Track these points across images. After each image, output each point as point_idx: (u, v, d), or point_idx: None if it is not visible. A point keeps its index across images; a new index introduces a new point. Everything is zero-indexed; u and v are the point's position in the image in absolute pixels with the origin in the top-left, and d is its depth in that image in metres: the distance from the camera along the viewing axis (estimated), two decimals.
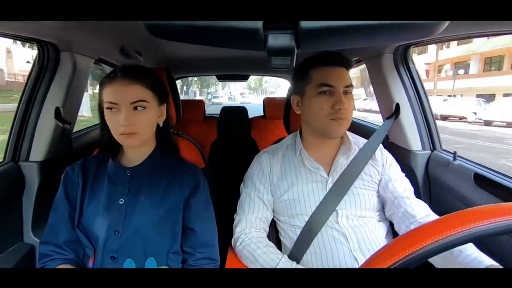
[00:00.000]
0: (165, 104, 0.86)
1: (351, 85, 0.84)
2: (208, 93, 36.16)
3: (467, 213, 0.33)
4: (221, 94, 39.74)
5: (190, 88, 26.49)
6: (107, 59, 1.34)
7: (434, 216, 0.82)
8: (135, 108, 0.75)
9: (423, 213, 0.82)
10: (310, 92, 0.85)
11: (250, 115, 2.28)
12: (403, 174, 0.93)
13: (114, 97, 0.74)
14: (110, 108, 0.75)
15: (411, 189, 0.90)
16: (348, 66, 0.86)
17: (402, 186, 0.88)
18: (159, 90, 0.82)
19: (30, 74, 1.06)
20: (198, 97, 29.09)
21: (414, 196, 0.88)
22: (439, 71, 21.62)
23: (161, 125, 0.86)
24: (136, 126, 0.75)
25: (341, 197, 0.83)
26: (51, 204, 0.83)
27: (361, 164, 0.87)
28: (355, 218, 0.85)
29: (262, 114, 2.22)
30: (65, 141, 1.09)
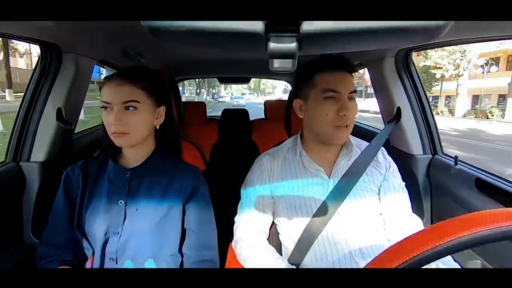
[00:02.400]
0: (163, 106, 0.85)
1: (355, 91, 0.84)
2: (213, 94, 41.62)
3: (475, 216, 0.33)
4: (224, 94, 44.34)
5: (202, 89, 33.51)
6: (109, 61, 1.35)
7: None
8: (127, 108, 0.76)
9: (414, 228, 0.83)
10: (314, 96, 0.84)
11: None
12: (403, 184, 0.93)
13: (107, 97, 0.76)
14: (105, 108, 0.77)
15: (408, 203, 0.90)
16: (353, 71, 0.86)
17: (401, 197, 0.89)
18: (156, 92, 0.82)
19: (32, 75, 1.06)
20: (205, 97, 35.87)
21: (410, 210, 0.89)
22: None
23: (157, 127, 0.85)
24: (127, 126, 0.76)
25: (342, 199, 0.83)
26: (52, 204, 0.83)
27: (363, 166, 0.87)
28: (357, 220, 0.85)
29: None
30: (67, 142, 1.09)
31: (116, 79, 0.77)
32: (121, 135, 0.76)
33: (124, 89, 0.76)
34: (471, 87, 20.22)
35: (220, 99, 33.65)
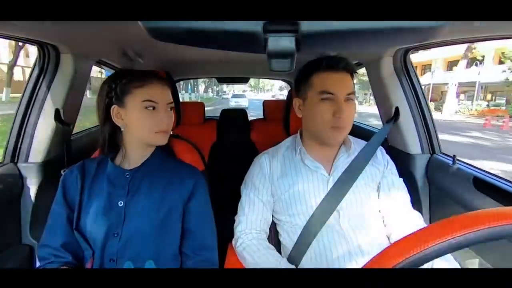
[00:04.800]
0: None
1: (353, 92, 0.84)
2: (217, 91, 46.64)
3: (475, 215, 0.33)
4: (226, 91, 47.33)
5: (209, 88, 41.35)
6: (107, 61, 1.34)
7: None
8: (169, 108, 0.82)
9: (415, 222, 0.84)
10: (311, 97, 0.84)
11: None
12: (402, 180, 0.93)
13: (155, 97, 0.78)
14: (147, 108, 0.78)
15: (408, 197, 0.90)
16: (352, 72, 0.86)
17: (401, 194, 0.89)
18: None
19: (30, 76, 1.06)
20: (211, 94, 43.66)
21: (410, 206, 0.89)
22: None
23: None
24: (171, 124, 0.82)
25: (342, 196, 0.83)
26: (50, 205, 0.82)
27: (362, 163, 0.87)
28: (357, 219, 0.85)
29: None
30: (65, 143, 1.09)
31: (156, 80, 0.80)
32: (167, 133, 0.82)
33: (167, 91, 0.82)
34: None
35: (224, 96, 38.82)
